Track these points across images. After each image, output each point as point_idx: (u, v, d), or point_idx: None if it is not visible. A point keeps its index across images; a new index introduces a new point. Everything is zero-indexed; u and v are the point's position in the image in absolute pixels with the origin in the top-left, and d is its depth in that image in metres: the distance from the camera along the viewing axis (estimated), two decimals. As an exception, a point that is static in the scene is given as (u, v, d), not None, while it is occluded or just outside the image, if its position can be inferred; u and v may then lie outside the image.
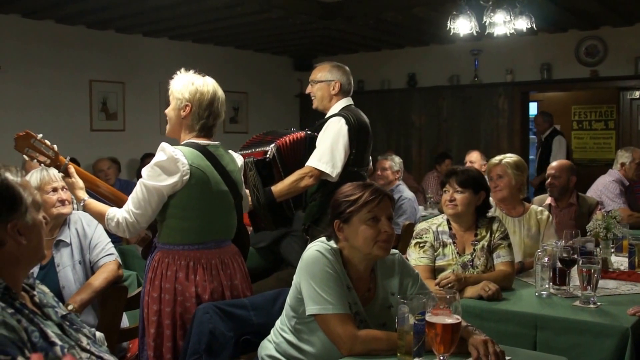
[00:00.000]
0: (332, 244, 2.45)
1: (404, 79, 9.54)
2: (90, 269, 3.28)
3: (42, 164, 2.97)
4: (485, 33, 5.56)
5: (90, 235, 3.31)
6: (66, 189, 3.22)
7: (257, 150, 3.58)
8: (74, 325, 1.93)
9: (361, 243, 2.38)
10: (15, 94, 7.03)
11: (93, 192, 3.10)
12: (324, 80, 3.80)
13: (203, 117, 2.89)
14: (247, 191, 3.33)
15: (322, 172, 3.56)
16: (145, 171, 2.80)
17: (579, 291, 2.98)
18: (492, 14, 5.30)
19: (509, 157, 3.97)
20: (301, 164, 3.60)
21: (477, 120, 8.99)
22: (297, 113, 10.30)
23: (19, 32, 7.06)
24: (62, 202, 3.23)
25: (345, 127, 3.63)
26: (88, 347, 1.90)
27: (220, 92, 2.95)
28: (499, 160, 3.95)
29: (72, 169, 3.00)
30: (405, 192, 6.03)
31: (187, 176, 2.76)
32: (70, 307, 2.90)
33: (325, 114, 3.83)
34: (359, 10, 7.06)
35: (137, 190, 2.78)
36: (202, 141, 2.90)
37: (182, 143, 2.91)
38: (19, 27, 7.05)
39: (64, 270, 3.20)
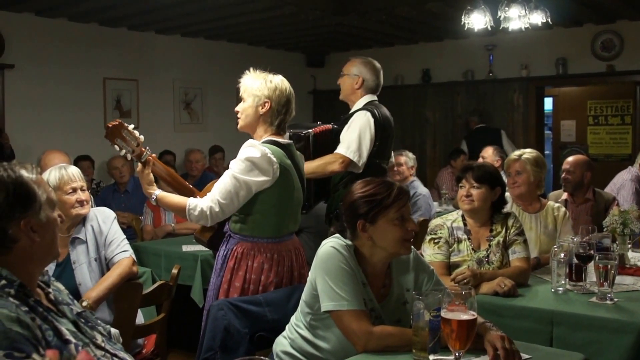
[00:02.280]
0: (347, 240, 2.44)
1: (418, 75, 9.50)
2: (105, 265, 3.29)
3: (126, 155, 3.08)
4: (500, 28, 5.53)
5: (105, 232, 3.32)
6: (84, 188, 3.25)
7: (293, 131, 3.64)
8: (89, 323, 1.93)
9: (388, 243, 2.37)
10: (29, 92, 7.07)
11: (175, 190, 3.20)
12: (349, 74, 3.96)
13: (281, 113, 3.02)
14: None
15: (350, 161, 3.69)
16: (235, 164, 2.90)
17: (596, 287, 2.95)
18: (506, 8, 5.27)
19: (529, 153, 3.93)
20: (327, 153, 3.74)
21: (492, 116, 8.94)
22: (311, 109, 10.30)
23: (32, 31, 7.09)
24: (81, 202, 3.22)
25: (371, 120, 3.78)
26: (103, 344, 1.90)
27: (293, 92, 3.10)
28: (518, 156, 3.91)
29: (151, 162, 3.10)
30: (420, 188, 6.02)
31: (277, 175, 2.91)
32: (84, 304, 2.91)
33: (350, 108, 3.96)
34: (372, 6, 7.03)
35: (226, 182, 2.89)
36: (281, 139, 3.04)
37: (264, 140, 3.00)
38: (32, 25, 7.09)
39: (80, 268, 3.21)
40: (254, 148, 2.88)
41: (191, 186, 3.21)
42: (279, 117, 3.02)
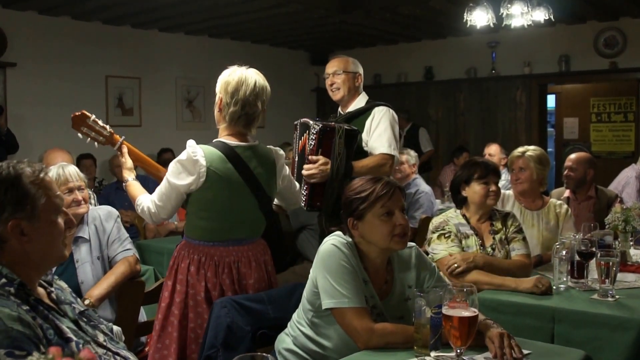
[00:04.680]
0: (348, 237, 2.44)
1: (421, 72, 9.50)
2: (108, 264, 3.30)
3: (97, 142, 3.21)
4: (503, 25, 5.53)
5: (108, 230, 3.33)
6: (82, 189, 3.26)
7: (342, 124, 3.53)
8: (91, 322, 1.93)
9: (378, 238, 2.37)
10: (32, 90, 7.09)
11: (145, 170, 3.34)
12: (352, 71, 3.80)
13: (230, 104, 2.85)
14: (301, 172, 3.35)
15: (394, 159, 3.64)
16: (170, 166, 2.87)
17: (597, 284, 2.95)
18: (509, 5, 5.26)
19: (532, 151, 3.92)
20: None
21: (494, 113, 8.94)
22: (314, 107, 10.30)
23: (35, 29, 7.11)
24: (78, 202, 3.22)
25: (395, 116, 3.72)
26: (105, 343, 1.90)
27: (252, 80, 2.87)
28: (522, 153, 3.91)
29: (125, 148, 3.21)
30: (422, 186, 6.01)
31: (203, 178, 2.78)
32: (87, 302, 2.91)
33: (341, 106, 3.85)
34: (375, 4, 7.03)
35: (162, 184, 2.89)
36: (232, 141, 2.89)
37: (213, 141, 2.92)
38: (35, 23, 7.11)
39: (83, 266, 3.22)
40: (186, 150, 2.81)
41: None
42: (229, 110, 2.87)
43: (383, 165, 3.57)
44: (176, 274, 2.89)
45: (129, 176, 3.14)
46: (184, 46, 8.53)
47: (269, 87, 2.94)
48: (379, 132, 3.64)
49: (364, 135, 3.68)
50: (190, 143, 2.84)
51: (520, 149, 3.97)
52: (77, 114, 3.18)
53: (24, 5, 6.77)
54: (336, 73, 3.80)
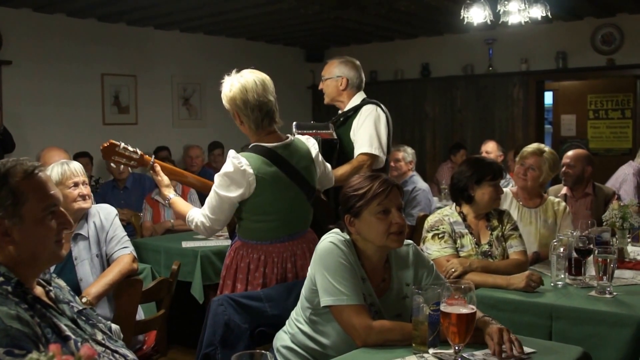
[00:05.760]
0: (346, 235, 2.44)
1: (418, 69, 9.49)
2: (106, 262, 3.31)
3: (130, 168, 3.30)
4: (500, 22, 5.51)
5: (107, 228, 3.34)
6: (86, 183, 3.31)
7: (321, 132, 3.60)
8: (90, 321, 1.93)
9: (374, 236, 2.37)
10: (27, 89, 7.05)
11: (181, 183, 3.43)
12: (332, 77, 3.86)
13: (248, 115, 2.91)
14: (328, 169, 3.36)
15: (377, 157, 3.66)
16: (216, 179, 2.91)
17: (595, 281, 2.96)
18: (506, 2, 5.25)
19: (549, 154, 3.87)
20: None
21: (491, 110, 8.93)
22: (310, 104, 10.28)
23: (30, 27, 7.08)
24: (83, 197, 3.26)
25: (382, 115, 3.75)
26: (103, 341, 1.90)
27: (251, 81, 2.90)
28: (540, 152, 3.86)
29: (158, 167, 3.22)
30: (419, 183, 6.01)
31: (254, 185, 2.85)
32: (84, 300, 2.92)
33: (339, 109, 3.90)
34: (371, 0, 7.02)
35: (212, 197, 2.93)
36: (269, 143, 2.94)
37: (250, 146, 2.95)
38: (30, 21, 7.07)
39: (82, 264, 3.23)
40: (230, 161, 2.85)
41: (201, 179, 3.30)
42: (249, 119, 2.92)
43: (361, 167, 3.60)
44: (236, 273, 2.97)
45: (170, 193, 3.19)
46: (180, 44, 8.50)
47: (267, 77, 2.98)
48: (362, 132, 3.70)
49: (351, 135, 3.73)
50: (233, 154, 2.88)
51: (537, 147, 3.92)
52: (105, 145, 3.20)
53: (18, 3, 6.74)
54: (322, 79, 3.90)
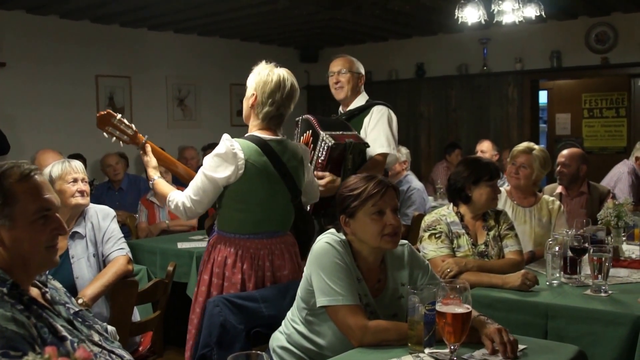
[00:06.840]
0: (342, 235, 2.44)
1: (412, 69, 9.49)
2: (103, 262, 3.31)
3: (121, 142, 3.23)
4: (494, 21, 5.52)
5: (104, 229, 3.35)
6: (86, 181, 3.33)
7: (349, 133, 3.57)
8: (86, 322, 1.92)
9: (368, 237, 2.37)
10: (21, 90, 7.04)
11: (170, 170, 3.42)
12: (356, 72, 3.89)
13: (266, 104, 2.94)
14: (321, 178, 3.37)
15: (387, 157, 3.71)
16: (205, 161, 2.92)
17: (590, 280, 2.96)
18: (500, 1, 5.26)
19: (539, 151, 3.90)
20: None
21: (486, 110, 8.94)
22: (305, 105, 10.27)
23: (23, 28, 7.06)
24: (82, 193, 3.28)
25: (394, 115, 3.81)
26: (100, 342, 1.90)
27: (289, 84, 2.99)
28: (529, 150, 3.88)
29: (148, 147, 3.23)
30: (414, 183, 6.00)
31: (242, 170, 2.84)
32: (80, 301, 2.91)
33: (340, 107, 3.94)
34: (365, 0, 7.02)
35: (197, 178, 2.92)
36: (265, 135, 2.96)
37: (246, 135, 2.97)
38: (23, 23, 7.05)
39: (78, 262, 3.24)
40: (222, 143, 2.87)
41: (192, 172, 3.27)
42: (263, 109, 2.94)
43: (376, 167, 3.63)
44: (212, 267, 2.94)
45: (155, 174, 3.18)
46: (174, 45, 8.49)
47: (298, 90, 3.07)
48: (377, 132, 3.72)
49: (362, 133, 3.74)
50: (226, 137, 2.90)
51: (526, 145, 3.94)
52: (102, 113, 3.19)
53: (11, 5, 6.73)
54: (341, 72, 3.88)
